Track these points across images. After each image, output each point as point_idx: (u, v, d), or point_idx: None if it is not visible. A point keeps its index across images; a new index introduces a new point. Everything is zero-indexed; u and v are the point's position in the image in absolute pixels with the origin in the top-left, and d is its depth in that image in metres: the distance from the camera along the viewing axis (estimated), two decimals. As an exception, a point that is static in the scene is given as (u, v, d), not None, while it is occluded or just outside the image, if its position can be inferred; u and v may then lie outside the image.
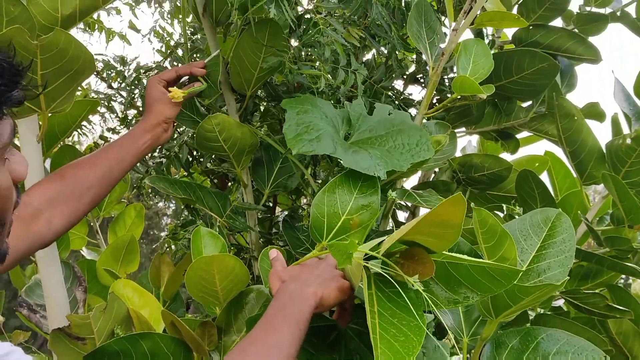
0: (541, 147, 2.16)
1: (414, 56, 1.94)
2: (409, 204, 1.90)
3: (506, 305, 1.21)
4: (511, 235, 1.25)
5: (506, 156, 2.00)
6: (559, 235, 1.34)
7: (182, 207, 1.98)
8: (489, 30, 1.91)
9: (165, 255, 1.68)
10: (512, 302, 1.19)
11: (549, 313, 1.94)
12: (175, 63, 1.91)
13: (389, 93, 1.70)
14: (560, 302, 2.25)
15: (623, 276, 2.11)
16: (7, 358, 0.76)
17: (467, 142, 2.38)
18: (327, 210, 1.22)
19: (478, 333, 1.39)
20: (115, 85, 2.00)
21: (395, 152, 1.30)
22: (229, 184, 2.02)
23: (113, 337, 1.25)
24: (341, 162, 1.24)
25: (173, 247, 1.98)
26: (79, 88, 1.82)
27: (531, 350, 1.32)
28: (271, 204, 1.82)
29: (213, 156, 1.82)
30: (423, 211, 2.01)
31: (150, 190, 2.04)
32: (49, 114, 1.33)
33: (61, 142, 1.72)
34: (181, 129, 1.86)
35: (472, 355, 1.34)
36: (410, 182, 2.10)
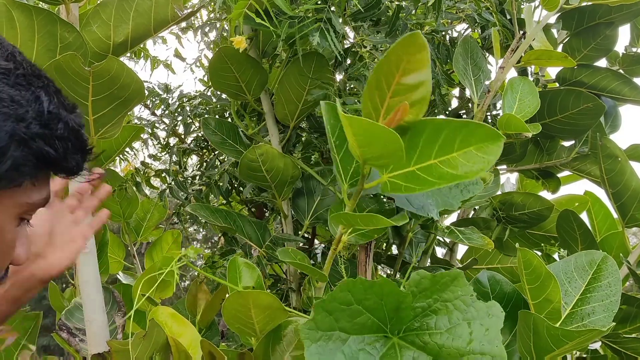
0: (579, 186, 2.14)
1: (456, 91, 1.94)
2: (448, 240, 1.88)
3: (549, 349, 1.18)
4: (555, 277, 1.23)
5: (545, 195, 1.99)
6: (605, 279, 1.31)
7: (220, 234, 1.98)
8: (532, 68, 1.90)
9: (202, 284, 1.68)
10: (555, 345, 1.16)
11: (585, 356, 1.91)
12: (218, 93, 1.92)
13: (432, 128, 1.69)
14: (596, 345, 2.21)
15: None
16: None
17: (505, 179, 2.36)
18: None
19: (519, 375, 1.37)
20: (158, 112, 2.02)
21: (444, 188, 1.28)
22: (267, 213, 2.02)
23: (151, 364, 1.25)
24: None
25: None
26: (123, 114, 1.85)
27: (574, 396, 1.30)
28: (310, 236, 1.82)
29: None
30: (462, 248, 2.00)
31: (188, 217, 2.05)
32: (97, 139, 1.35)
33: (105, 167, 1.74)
34: (222, 157, 1.87)
35: (512, 399, 1.31)
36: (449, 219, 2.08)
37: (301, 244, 1.76)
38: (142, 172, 1.97)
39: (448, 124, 0.92)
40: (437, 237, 1.65)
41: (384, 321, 1.03)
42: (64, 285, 2.14)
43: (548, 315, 1.23)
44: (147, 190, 2.21)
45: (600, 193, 1.90)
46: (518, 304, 1.37)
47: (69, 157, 0.70)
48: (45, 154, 0.67)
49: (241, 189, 1.92)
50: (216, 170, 1.77)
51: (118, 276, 2.24)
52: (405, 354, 1.02)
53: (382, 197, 1.33)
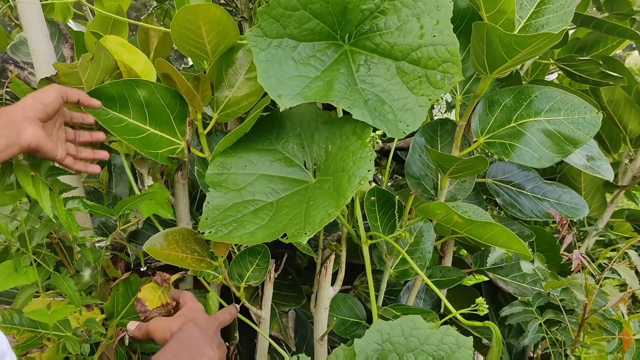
0: None
1: None
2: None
3: (502, 60, 1.17)
4: (511, -10, 1.20)
5: None
6: (560, -10, 1.29)
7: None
8: None
9: (152, 18, 1.63)
10: (508, 55, 1.15)
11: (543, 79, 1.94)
12: None
13: None
14: (553, 77, 2.25)
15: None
16: None
17: None
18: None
19: (471, 91, 1.38)
20: None
21: None
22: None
23: (104, 87, 1.23)
24: None
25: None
26: None
27: (524, 108, 1.32)
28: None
29: None
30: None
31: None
32: None
33: None
34: None
35: (465, 113, 1.34)
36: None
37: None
38: None
39: None
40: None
41: (334, 27, 1.01)
42: (9, 29, 2.07)
43: (502, 26, 1.21)
44: None
45: None
46: (472, 20, 1.35)
47: None
48: None
49: None
50: None
51: (69, 24, 2.16)
52: (357, 58, 1.01)
53: None
